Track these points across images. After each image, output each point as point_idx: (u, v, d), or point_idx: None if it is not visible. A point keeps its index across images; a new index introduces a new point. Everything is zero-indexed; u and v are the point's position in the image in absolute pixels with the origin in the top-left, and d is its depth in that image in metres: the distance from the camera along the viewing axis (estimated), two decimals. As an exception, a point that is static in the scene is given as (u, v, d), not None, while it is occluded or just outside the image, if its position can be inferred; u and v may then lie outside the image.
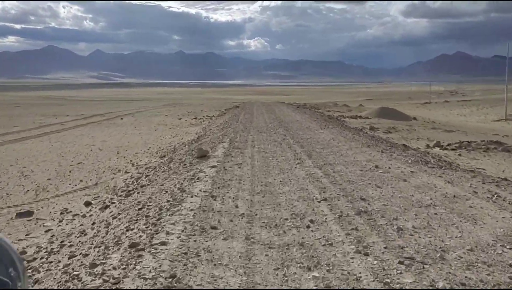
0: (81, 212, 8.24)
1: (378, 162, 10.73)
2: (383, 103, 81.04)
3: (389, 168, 9.89)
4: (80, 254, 5.25)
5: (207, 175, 9.11)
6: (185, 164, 10.91)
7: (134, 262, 4.43)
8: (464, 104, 68.05)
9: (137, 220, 6.23)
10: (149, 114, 36.98)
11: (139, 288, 3.85)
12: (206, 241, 5.12)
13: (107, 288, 3.96)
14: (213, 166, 10.08)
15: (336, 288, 3.94)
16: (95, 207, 8.47)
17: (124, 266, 4.37)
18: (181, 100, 75.05)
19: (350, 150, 12.82)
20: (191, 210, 6.40)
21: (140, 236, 5.34)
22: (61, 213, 8.30)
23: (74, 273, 4.50)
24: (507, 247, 4.93)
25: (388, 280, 4.06)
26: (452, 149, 15.13)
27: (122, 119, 32.93)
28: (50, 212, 8.45)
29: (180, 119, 30.13)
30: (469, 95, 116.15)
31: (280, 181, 8.54)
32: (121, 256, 4.68)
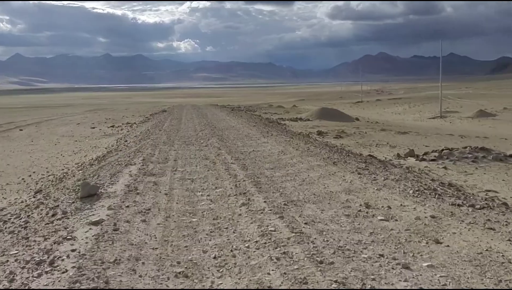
0: None
1: (364, 194, 6.99)
2: (315, 103, 79.90)
3: (389, 208, 6.15)
4: None
5: (75, 249, 4.80)
6: (54, 215, 6.50)
7: None
8: (396, 103, 67.71)
9: None
10: (59, 123, 31.30)
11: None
12: None
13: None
14: (97, 222, 5.77)
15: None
16: None
17: None
18: (106, 105, 69.33)
19: (312, 171, 9.02)
20: None
21: None
22: None
23: None
24: None
25: None
26: (432, 160, 11.85)
27: (21, 130, 27.14)
28: None
29: (93, 128, 24.92)
30: (394, 93, 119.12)
31: (214, 259, 4.45)
32: None
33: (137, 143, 15.02)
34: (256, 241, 4.90)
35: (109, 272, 4.14)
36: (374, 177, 8.26)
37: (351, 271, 4.01)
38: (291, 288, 3.69)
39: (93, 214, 6.20)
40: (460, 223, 5.39)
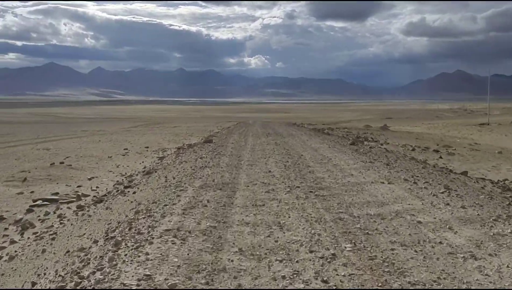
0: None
1: None
2: (408, 123, 64.05)
3: None
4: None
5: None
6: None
7: None
8: None
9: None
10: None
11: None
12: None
13: None
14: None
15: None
16: None
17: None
18: (170, 119, 59.99)
19: None
20: None
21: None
22: None
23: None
24: None
25: None
26: None
27: None
28: None
29: (110, 157, 11.59)
30: (491, 114, 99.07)
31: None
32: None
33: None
34: None
35: None
36: None
37: None
38: None
39: None
40: None
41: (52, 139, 24.83)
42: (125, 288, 3.65)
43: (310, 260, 4.40)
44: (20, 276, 4.82)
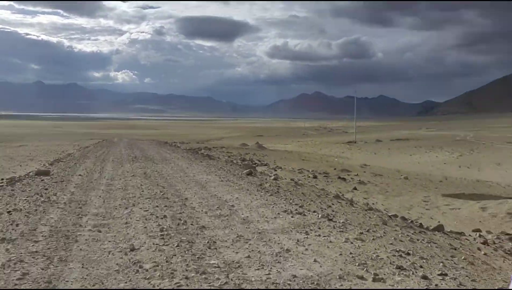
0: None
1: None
2: (280, 140, 63.54)
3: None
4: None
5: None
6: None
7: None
8: (416, 146, 43.98)
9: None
10: None
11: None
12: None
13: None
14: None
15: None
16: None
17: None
18: (19, 137, 51.22)
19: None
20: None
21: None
22: None
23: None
24: None
25: None
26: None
27: None
28: None
29: None
30: (349, 132, 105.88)
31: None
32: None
33: None
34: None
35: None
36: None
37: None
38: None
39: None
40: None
41: None
42: None
43: None
44: None
